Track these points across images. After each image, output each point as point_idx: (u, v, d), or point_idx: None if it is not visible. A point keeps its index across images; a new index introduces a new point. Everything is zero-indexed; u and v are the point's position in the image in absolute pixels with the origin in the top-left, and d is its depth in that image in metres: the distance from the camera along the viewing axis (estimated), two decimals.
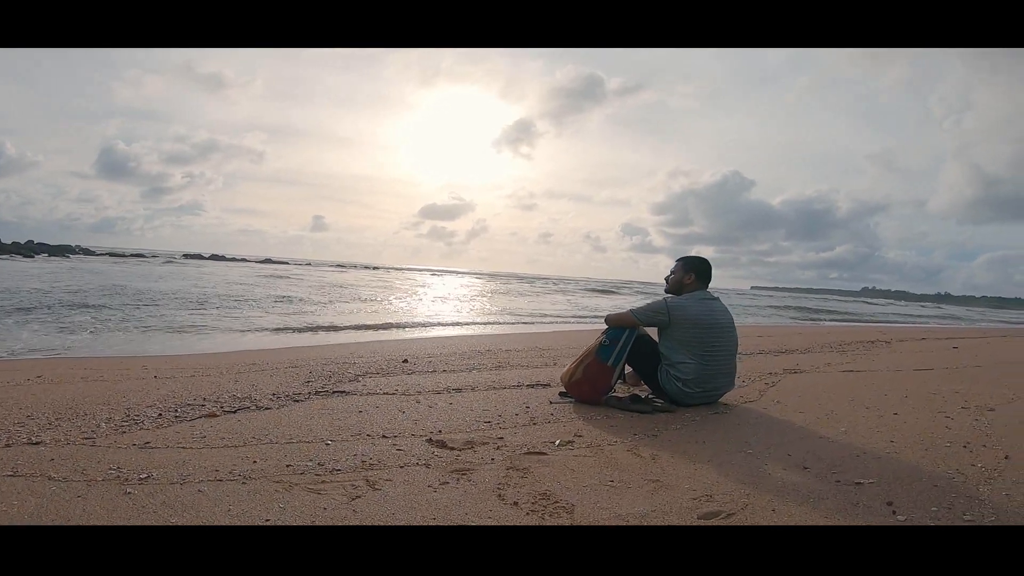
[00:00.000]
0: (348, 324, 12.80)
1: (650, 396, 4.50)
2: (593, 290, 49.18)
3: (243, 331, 10.93)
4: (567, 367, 4.68)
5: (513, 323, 15.83)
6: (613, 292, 47.90)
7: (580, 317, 19.63)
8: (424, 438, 3.33)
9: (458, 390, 4.75)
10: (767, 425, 3.91)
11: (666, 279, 4.66)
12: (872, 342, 10.37)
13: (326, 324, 12.54)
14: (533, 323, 16.05)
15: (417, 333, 11.85)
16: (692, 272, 4.54)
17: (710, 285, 4.56)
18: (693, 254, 4.66)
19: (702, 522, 2.33)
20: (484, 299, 28.44)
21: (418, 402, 4.25)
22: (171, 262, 53.45)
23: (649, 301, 4.55)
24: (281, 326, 11.94)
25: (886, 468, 3.02)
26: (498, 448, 3.17)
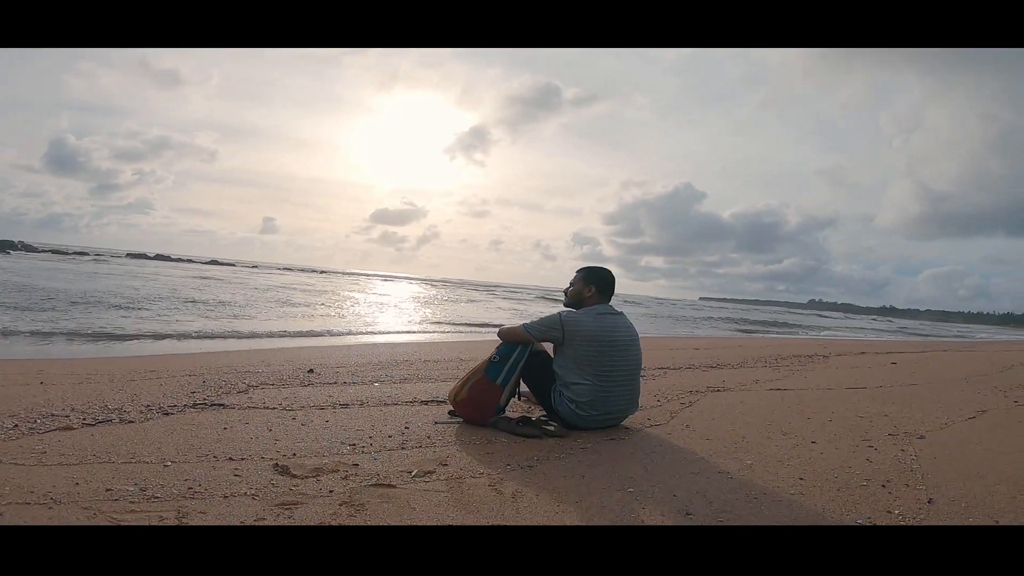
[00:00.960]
0: (271, 331, 12.03)
1: (541, 418, 3.91)
2: (545, 298, 48.59)
3: (160, 336, 10.21)
4: (455, 384, 4.12)
5: (448, 332, 15.17)
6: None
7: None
8: (272, 462, 2.91)
9: (345, 405, 4.26)
10: (663, 456, 3.33)
11: (565, 291, 4.12)
12: (810, 356, 9.94)
13: (246, 331, 11.74)
14: (470, 332, 15.41)
15: (343, 341, 11.14)
16: (592, 284, 3.99)
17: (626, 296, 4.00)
18: (595, 264, 4.12)
19: None
20: (427, 306, 27.76)
21: (294, 418, 3.79)
22: (101, 261, 49.91)
23: (545, 315, 4.00)
24: (202, 331, 11.18)
25: (784, 514, 2.45)
26: (345, 477, 2.75)
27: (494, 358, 3.95)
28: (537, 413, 4.04)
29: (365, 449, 3.21)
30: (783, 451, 3.47)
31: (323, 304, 22.51)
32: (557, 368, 3.89)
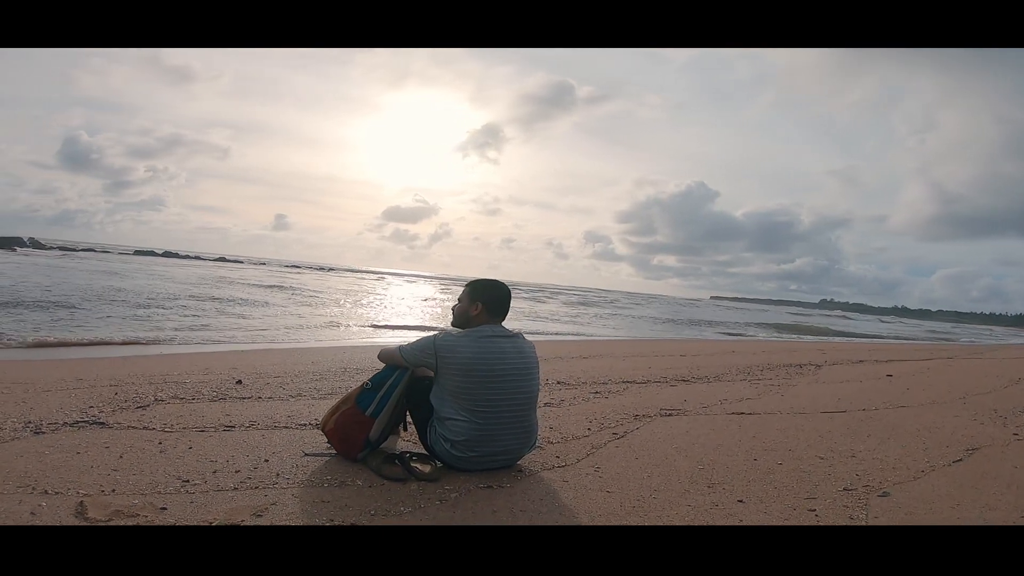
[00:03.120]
0: (232, 337, 11.37)
1: (414, 457, 3.11)
2: (577, 302, 47.16)
3: (123, 342, 9.57)
4: (328, 409, 3.36)
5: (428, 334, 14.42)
6: (589, 305, 46.07)
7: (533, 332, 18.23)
8: (82, 498, 2.54)
9: (229, 428, 3.73)
10: (535, 517, 2.54)
11: (453, 308, 3.32)
12: (801, 366, 8.97)
13: (205, 338, 11.10)
14: None
15: (304, 345, 10.45)
16: (479, 301, 3.20)
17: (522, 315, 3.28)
18: (481, 278, 3.37)
19: None
20: (428, 305, 27.08)
21: (159, 443, 3.33)
22: (101, 259, 48.77)
23: (424, 336, 3.20)
24: (164, 335, 10.58)
25: None
26: (137, 524, 2.35)
27: (367, 384, 3.21)
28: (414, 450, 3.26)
29: (193, 487, 2.71)
30: (694, 514, 2.63)
31: (320, 306, 21.83)
32: (433, 400, 3.12)
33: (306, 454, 3.26)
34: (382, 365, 3.27)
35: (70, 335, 9.46)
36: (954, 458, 3.74)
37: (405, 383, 3.20)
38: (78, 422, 3.65)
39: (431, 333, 3.17)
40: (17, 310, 11.85)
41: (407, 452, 3.16)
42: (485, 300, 3.17)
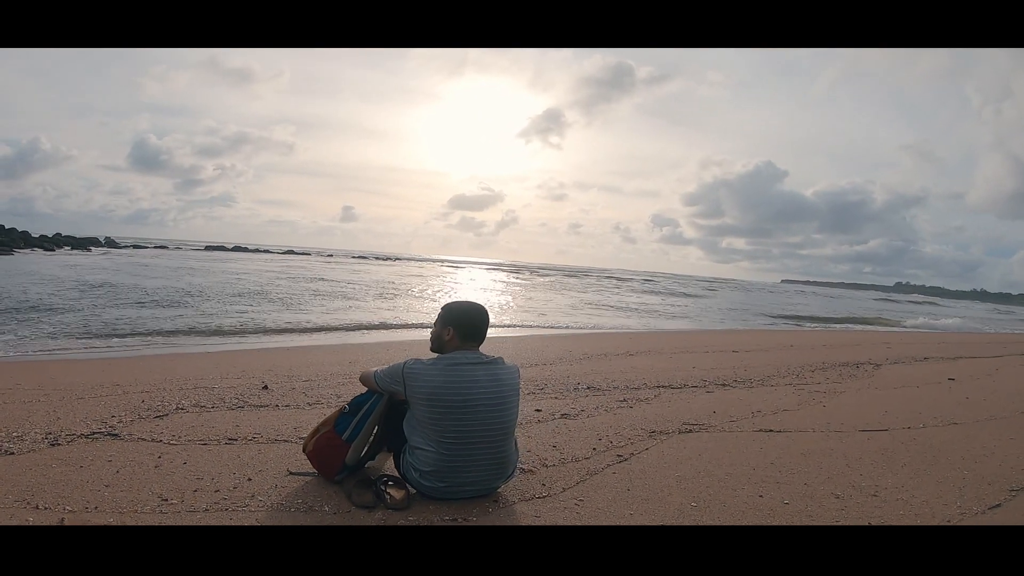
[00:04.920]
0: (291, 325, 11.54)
1: (389, 480, 2.96)
2: (645, 289, 45.86)
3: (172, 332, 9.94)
4: (311, 429, 3.24)
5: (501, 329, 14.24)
6: (655, 293, 44.79)
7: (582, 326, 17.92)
8: (62, 517, 2.54)
9: (232, 440, 3.70)
10: None
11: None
12: (857, 366, 8.33)
13: (270, 326, 11.31)
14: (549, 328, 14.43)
15: (349, 340, 10.46)
16: (450, 326, 2.98)
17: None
18: (456, 300, 3.16)
19: None
20: (499, 295, 26.93)
21: (159, 457, 3.34)
22: (160, 255, 47.90)
23: (396, 362, 3.01)
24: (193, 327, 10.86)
25: None
26: None
27: (345, 408, 3.08)
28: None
29: (168, 507, 2.71)
30: None
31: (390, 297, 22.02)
32: (405, 427, 2.97)
33: (290, 473, 3.18)
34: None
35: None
36: (992, 502, 3.26)
37: (382, 408, 3.06)
38: (94, 433, 3.68)
39: (403, 359, 2.98)
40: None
41: (385, 476, 3.02)
42: (456, 325, 2.95)
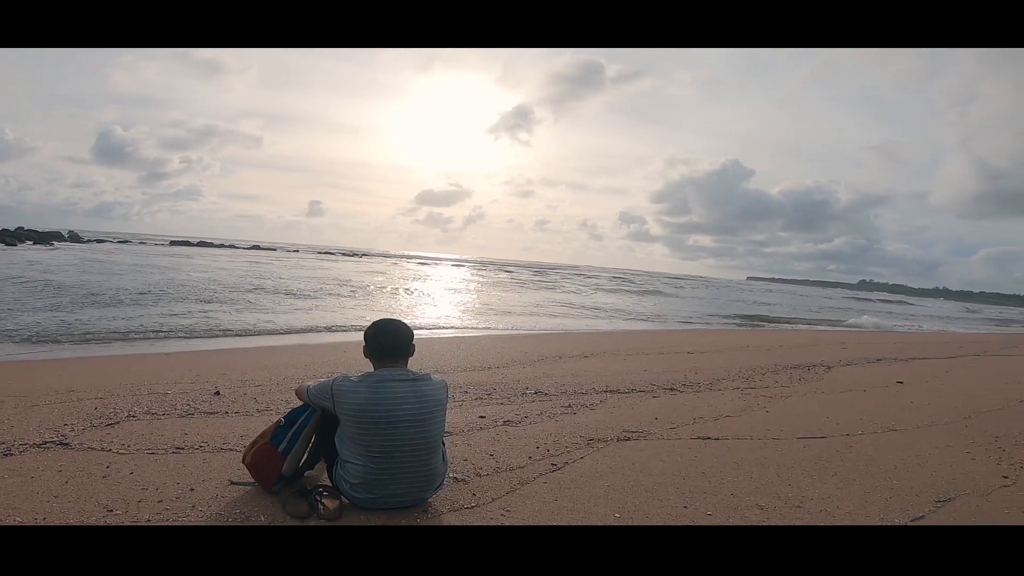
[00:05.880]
0: (255, 327, 11.33)
1: (324, 491, 2.95)
2: (611, 288, 45.37)
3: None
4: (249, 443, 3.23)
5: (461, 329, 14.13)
6: (619, 292, 44.53)
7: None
8: None
9: (179, 449, 3.65)
10: None
11: None
12: (809, 367, 8.39)
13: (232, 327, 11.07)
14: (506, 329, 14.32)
15: (309, 341, 10.32)
16: (367, 346, 3.00)
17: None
18: (380, 320, 3.09)
19: None
20: (456, 294, 26.76)
21: (108, 467, 3.30)
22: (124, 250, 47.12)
23: (328, 379, 2.99)
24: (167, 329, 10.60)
25: None
26: None
27: (281, 421, 3.09)
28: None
29: (113, 518, 2.72)
30: None
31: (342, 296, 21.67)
32: (336, 441, 2.95)
33: (232, 482, 3.15)
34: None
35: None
36: (916, 514, 3.28)
37: (315, 422, 3.06)
38: (46, 443, 3.63)
39: (334, 375, 2.99)
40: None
41: (320, 486, 3.00)
42: (372, 347, 2.96)
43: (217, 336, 10.24)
